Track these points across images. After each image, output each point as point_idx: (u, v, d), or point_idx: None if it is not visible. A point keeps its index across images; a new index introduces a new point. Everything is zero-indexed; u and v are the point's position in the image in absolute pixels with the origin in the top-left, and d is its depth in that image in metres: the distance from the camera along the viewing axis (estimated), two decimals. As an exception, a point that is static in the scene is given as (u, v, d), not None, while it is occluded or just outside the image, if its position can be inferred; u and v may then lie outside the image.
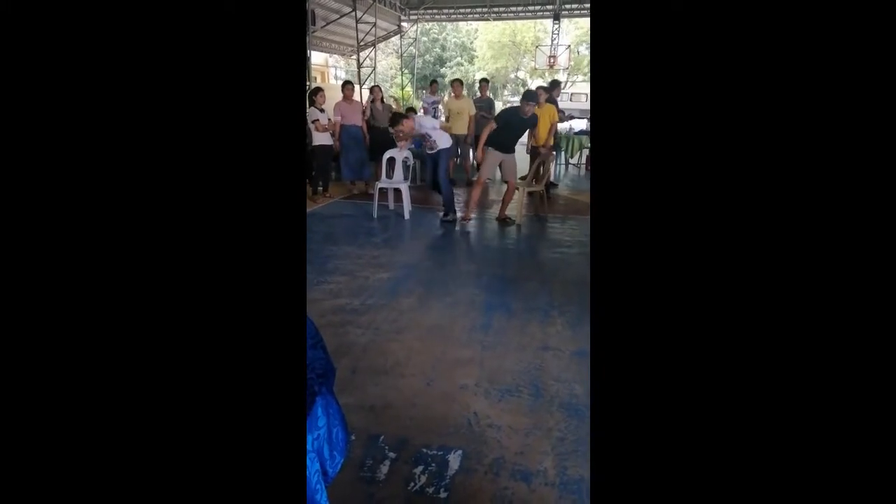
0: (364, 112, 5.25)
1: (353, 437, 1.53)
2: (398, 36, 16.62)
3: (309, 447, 0.80)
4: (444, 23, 25.08)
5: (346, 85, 5.05)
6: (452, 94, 5.79)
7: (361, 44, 14.49)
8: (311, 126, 4.72)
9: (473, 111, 5.59)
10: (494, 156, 4.04)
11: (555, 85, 5.74)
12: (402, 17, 14.58)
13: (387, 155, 4.48)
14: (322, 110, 4.76)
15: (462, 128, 5.61)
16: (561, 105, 5.65)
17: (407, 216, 4.30)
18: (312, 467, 0.80)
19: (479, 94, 6.29)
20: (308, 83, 8.51)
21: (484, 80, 6.43)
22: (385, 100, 5.89)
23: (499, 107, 8.43)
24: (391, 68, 22.62)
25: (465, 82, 6.64)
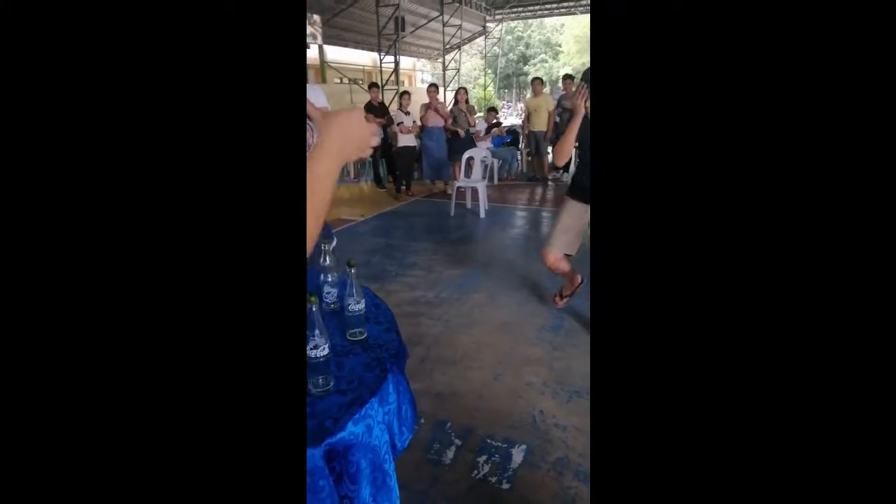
0: (447, 114, 5.39)
1: (421, 421, 1.62)
2: (483, 37, 16.72)
3: (381, 420, 0.89)
4: (528, 20, 24.73)
5: (430, 87, 5.23)
6: (532, 93, 5.80)
7: (447, 46, 14.80)
8: (396, 128, 4.96)
9: (552, 107, 5.54)
10: (577, 210, 2.15)
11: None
12: (488, 18, 14.63)
13: (466, 155, 4.57)
14: (407, 113, 4.98)
15: (541, 124, 5.58)
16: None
17: (483, 214, 4.35)
18: (382, 438, 0.88)
19: (563, 90, 6.16)
20: (396, 88, 8.89)
21: (568, 77, 6.24)
22: (468, 101, 5.99)
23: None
24: (475, 69, 22.79)
25: (549, 79, 6.54)
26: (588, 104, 1.78)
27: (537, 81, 5.85)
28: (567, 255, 2.20)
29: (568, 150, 2.01)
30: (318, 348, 0.82)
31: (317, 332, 0.81)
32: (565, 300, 2.45)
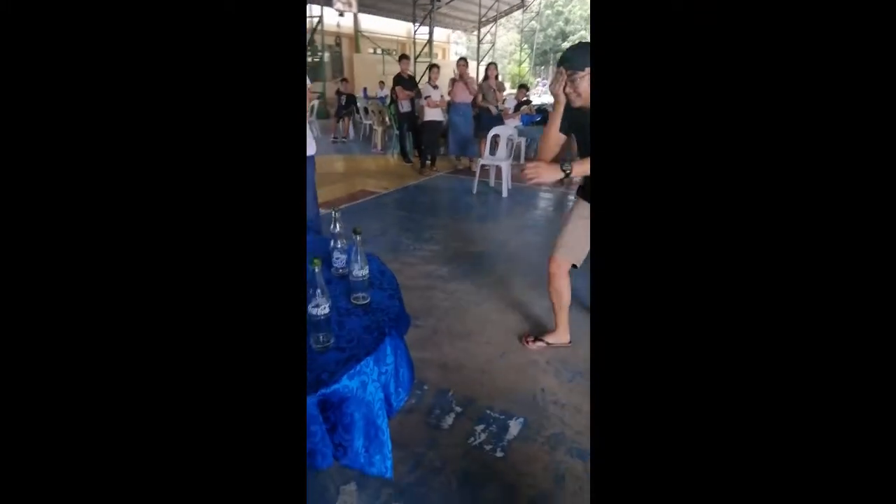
0: (475, 89, 5.31)
1: (425, 387, 1.68)
2: (521, 10, 16.19)
3: (376, 378, 0.94)
4: (572, -6, 23.71)
5: (460, 61, 5.15)
6: None
7: (483, 19, 14.40)
8: (423, 101, 4.93)
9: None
10: (587, 213, 1.77)
11: None
12: (528, -10, 14.10)
13: (492, 132, 4.52)
14: (435, 87, 4.93)
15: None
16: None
17: (505, 194, 4.33)
18: (376, 395, 0.93)
19: None
20: (429, 60, 8.76)
21: None
22: (498, 77, 5.87)
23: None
24: (511, 44, 22.16)
25: None
26: (568, 90, 1.50)
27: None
28: (573, 266, 1.87)
29: (552, 146, 1.64)
30: (319, 307, 0.87)
31: (318, 292, 0.86)
32: (538, 344, 1.94)
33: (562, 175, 1.44)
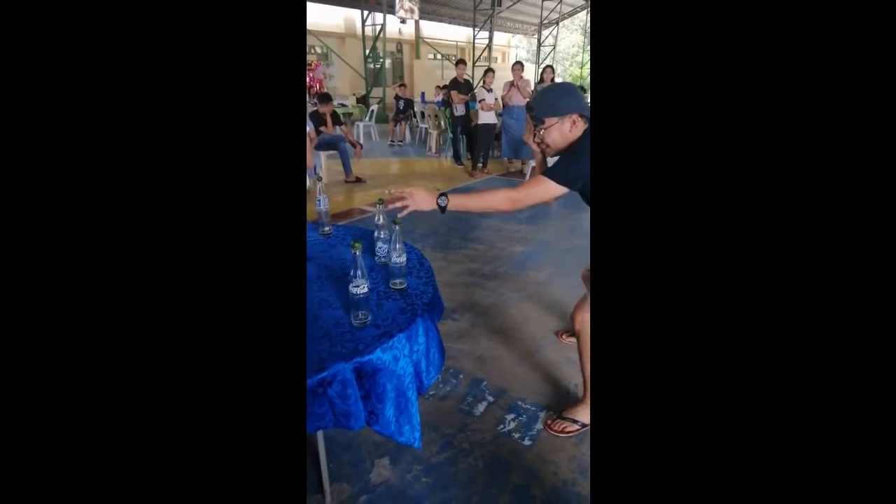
0: (528, 93, 5.33)
1: (461, 376, 1.77)
2: (585, 11, 15.84)
3: (407, 354, 1.04)
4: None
5: (515, 65, 5.19)
6: None
7: (545, 21, 14.24)
8: (478, 105, 5.03)
9: None
10: None
11: None
12: (591, -9, 13.78)
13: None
14: (490, 90, 5.02)
15: None
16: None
17: (557, 197, 4.32)
18: (407, 370, 1.03)
19: None
20: (488, 64, 8.84)
21: None
22: (554, 80, 5.84)
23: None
24: (573, 46, 21.71)
25: None
26: (538, 141, 1.32)
27: None
28: None
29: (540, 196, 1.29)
30: (359, 287, 0.99)
31: (359, 273, 0.98)
32: (571, 339, 1.93)
33: (436, 207, 1.21)
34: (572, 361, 1.88)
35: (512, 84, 5.06)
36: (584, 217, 3.91)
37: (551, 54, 15.29)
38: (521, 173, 5.28)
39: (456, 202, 1.23)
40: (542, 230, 3.52)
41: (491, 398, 1.66)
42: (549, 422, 1.55)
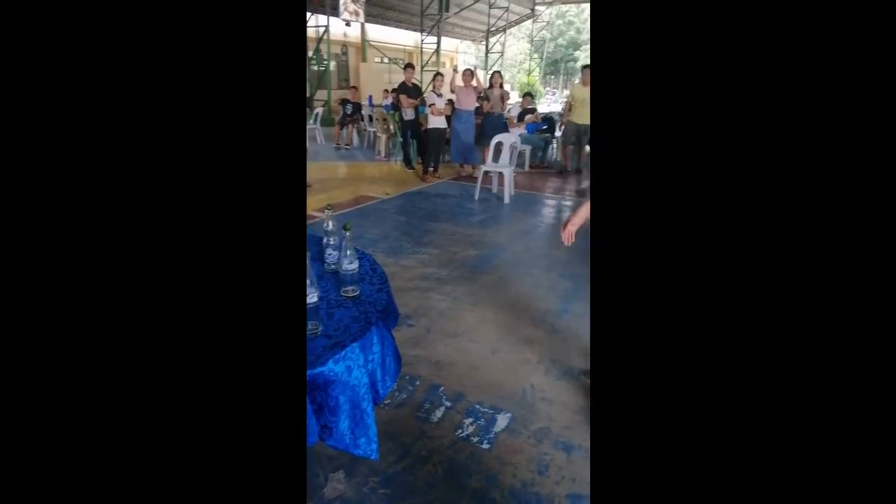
0: (480, 98, 5.41)
1: (417, 383, 1.74)
2: (531, 20, 16.32)
3: (362, 364, 1.00)
4: (582, 4, 23.84)
5: (465, 72, 5.25)
6: (581, 81, 5.25)
7: (492, 29, 14.55)
8: (428, 110, 5.03)
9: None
10: None
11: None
12: (537, 0, 14.22)
13: (496, 139, 4.60)
14: (440, 95, 5.04)
15: (584, 117, 5.10)
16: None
17: (507, 200, 4.39)
18: (362, 380, 0.99)
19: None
20: (437, 69, 8.90)
21: (587, 67, 5.92)
22: (503, 86, 5.96)
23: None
24: (521, 53, 22.33)
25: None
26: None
27: (586, 69, 5.06)
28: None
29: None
30: (307, 296, 0.94)
31: (307, 282, 0.93)
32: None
33: None
34: (529, 362, 1.90)
35: (460, 88, 5.11)
36: (536, 221, 4.01)
37: (499, 61, 15.64)
38: (472, 177, 5.33)
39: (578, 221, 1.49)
40: (495, 233, 3.57)
41: (448, 403, 1.64)
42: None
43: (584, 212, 1.52)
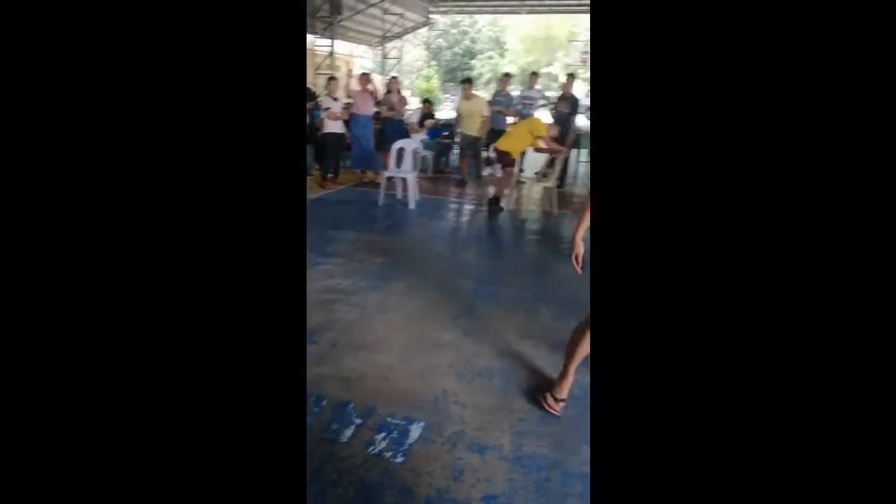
0: (378, 103, 5.35)
1: (323, 403, 1.64)
2: (426, 27, 16.62)
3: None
4: (475, 15, 24.89)
5: (361, 77, 5.16)
6: (464, 96, 5.38)
7: (388, 34, 14.53)
8: (323, 114, 4.85)
9: (486, 113, 5.21)
10: None
11: (507, 76, 5.96)
12: (432, 8, 14.55)
13: (397, 144, 4.57)
14: (336, 99, 4.88)
15: (473, 129, 5.22)
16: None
17: (412, 205, 4.39)
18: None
19: (502, 89, 6.08)
20: (331, 72, 8.65)
21: (506, 75, 6.22)
22: (401, 91, 5.97)
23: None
24: (418, 60, 22.65)
25: (494, 76, 6.43)
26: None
27: (468, 83, 5.42)
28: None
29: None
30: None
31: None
32: (560, 405, 1.67)
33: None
34: (440, 367, 1.90)
35: (358, 92, 5.01)
36: (442, 225, 4.05)
37: (397, 67, 15.68)
38: (375, 184, 5.24)
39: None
40: (401, 239, 3.54)
41: (358, 420, 1.57)
42: (543, 397, 1.69)
43: (584, 224, 1.50)
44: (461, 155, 5.82)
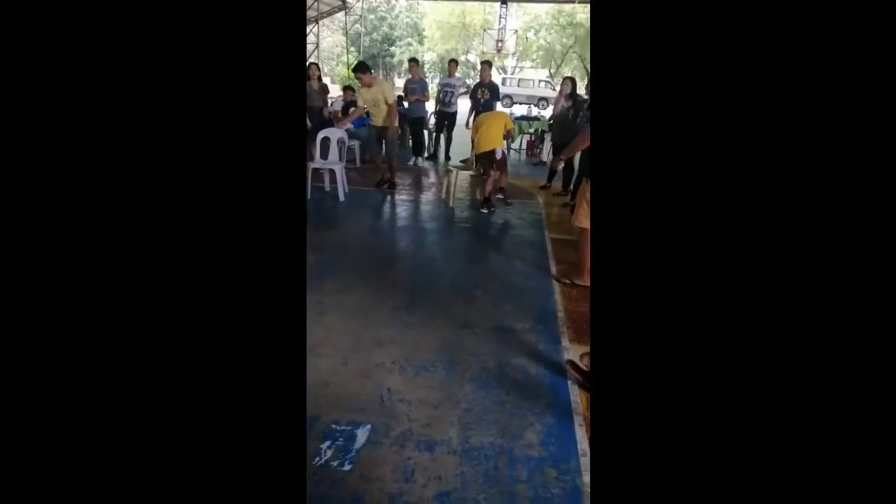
0: None
1: (261, 418, 1.54)
2: (343, 12, 16.00)
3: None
4: (392, 1, 24.39)
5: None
6: (363, 84, 4.38)
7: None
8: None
9: (392, 98, 4.43)
10: None
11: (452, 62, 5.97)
12: (347, -8, 14.01)
13: (321, 135, 4.37)
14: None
15: (378, 118, 4.46)
16: (509, 90, 5.59)
17: (342, 198, 4.25)
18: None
19: (410, 75, 5.88)
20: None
21: (413, 60, 5.90)
22: (322, 78, 5.70)
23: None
24: (337, 45, 21.80)
25: (420, 62, 6.24)
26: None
27: (362, 68, 4.29)
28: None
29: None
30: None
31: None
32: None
33: None
34: (383, 365, 1.86)
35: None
36: (374, 217, 3.95)
37: (315, 53, 14.99)
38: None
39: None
40: (333, 234, 3.41)
41: (301, 431, 1.49)
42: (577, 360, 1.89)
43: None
44: (369, 151, 5.04)
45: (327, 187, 4.52)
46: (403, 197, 4.61)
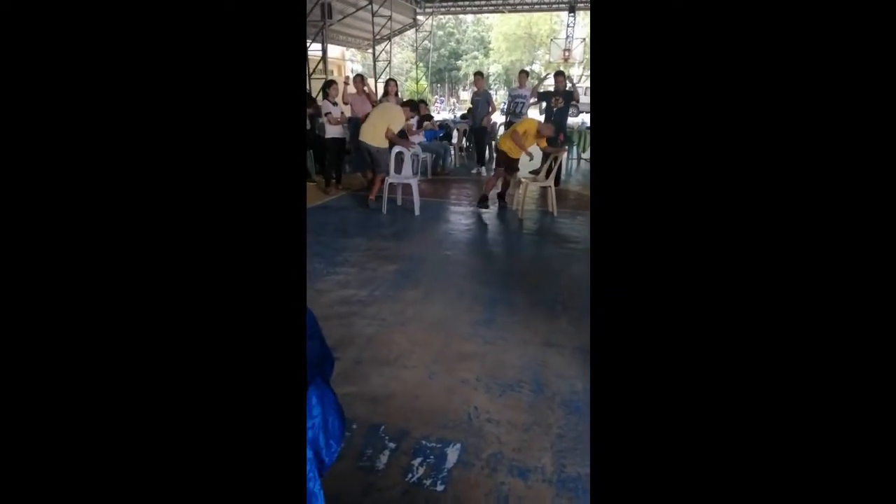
0: (376, 101, 5.25)
1: (354, 427, 1.55)
2: (413, 29, 16.55)
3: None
4: (460, 16, 24.86)
5: (356, 78, 5.07)
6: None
7: (377, 37, 14.46)
8: (324, 119, 4.75)
9: (395, 126, 4.31)
10: None
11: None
12: (418, 10, 14.51)
13: (396, 149, 4.48)
14: (335, 103, 4.79)
15: (370, 138, 4.29)
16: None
17: (417, 211, 4.31)
18: (305, 456, 0.81)
19: (475, 88, 6.23)
20: (324, 76, 8.55)
21: (478, 73, 6.33)
22: (399, 94, 5.88)
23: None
24: (406, 62, 22.56)
25: (484, 74, 6.48)
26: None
27: (357, 80, 5.01)
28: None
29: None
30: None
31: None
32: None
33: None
34: (467, 382, 1.82)
35: (355, 96, 4.91)
36: (448, 228, 3.97)
37: (387, 69, 15.60)
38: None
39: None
40: (411, 245, 3.45)
41: (392, 444, 1.48)
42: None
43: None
44: (361, 168, 4.84)
45: (399, 200, 4.61)
46: (470, 208, 4.59)
